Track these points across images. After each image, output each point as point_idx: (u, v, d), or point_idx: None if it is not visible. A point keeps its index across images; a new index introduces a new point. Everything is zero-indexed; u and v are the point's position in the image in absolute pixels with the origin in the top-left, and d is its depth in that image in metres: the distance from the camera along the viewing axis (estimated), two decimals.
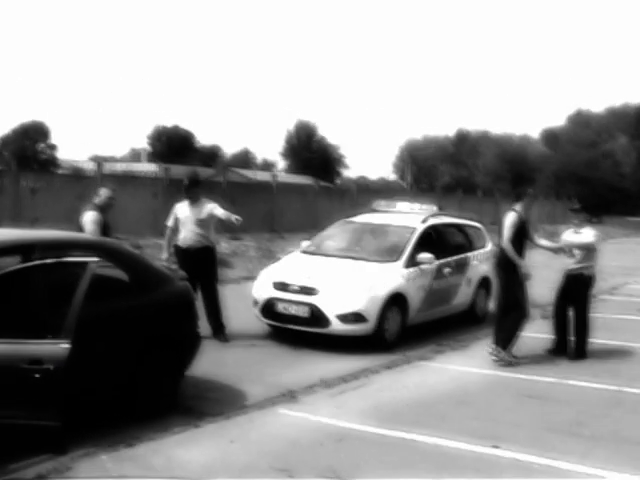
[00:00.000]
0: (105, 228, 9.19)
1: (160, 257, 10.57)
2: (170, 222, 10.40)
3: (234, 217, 9.82)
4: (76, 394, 5.69)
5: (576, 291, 9.91)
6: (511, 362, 9.31)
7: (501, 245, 9.45)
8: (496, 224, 10.61)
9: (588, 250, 9.88)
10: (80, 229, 9.12)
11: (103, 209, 9.43)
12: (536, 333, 10.50)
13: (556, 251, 10.17)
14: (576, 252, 9.89)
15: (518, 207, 9.60)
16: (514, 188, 10.02)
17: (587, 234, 9.90)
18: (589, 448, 6.36)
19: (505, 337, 9.42)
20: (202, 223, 10.05)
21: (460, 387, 8.30)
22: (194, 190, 10.17)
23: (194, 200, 10.14)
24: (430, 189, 66.04)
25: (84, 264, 5.11)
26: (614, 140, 77.07)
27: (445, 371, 9.03)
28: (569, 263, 9.95)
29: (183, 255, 10.13)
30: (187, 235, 10.10)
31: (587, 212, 10.28)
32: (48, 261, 5.43)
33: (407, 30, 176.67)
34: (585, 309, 9.94)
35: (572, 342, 9.91)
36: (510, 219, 9.42)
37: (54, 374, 4.75)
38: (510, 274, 9.40)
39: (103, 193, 9.58)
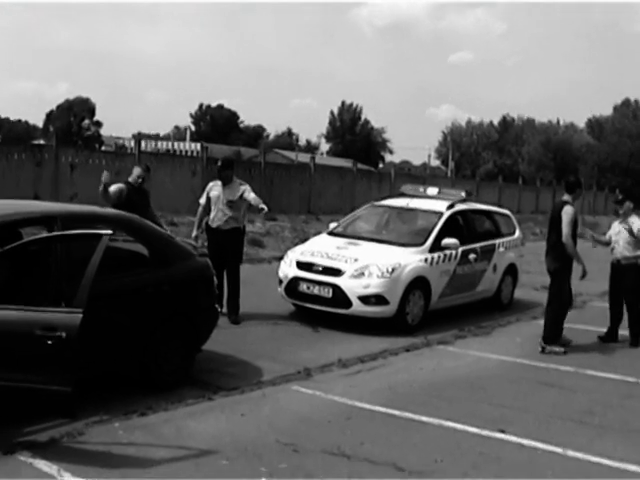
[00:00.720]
0: (133, 203, 9.34)
1: (191, 235, 10.76)
2: (202, 200, 10.48)
3: (261, 205, 9.82)
4: (88, 362, 5.87)
5: (631, 281, 9.89)
6: (565, 352, 9.38)
7: (562, 241, 9.23)
8: (535, 213, 10.50)
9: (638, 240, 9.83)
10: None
11: (134, 186, 9.72)
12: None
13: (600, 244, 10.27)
14: (623, 242, 9.85)
15: (570, 198, 9.49)
16: (566, 178, 9.85)
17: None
18: (596, 436, 6.37)
19: (551, 334, 9.47)
20: (233, 204, 10.08)
21: (476, 372, 8.34)
22: (226, 172, 10.25)
23: (227, 181, 10.24)
24: (472, 176, 65.71)
25: (98, 236, 5.26)
26: None
27: (464, 356, 9.07)
28: (619, 252, 9.92)
29: (212, 234, 10.24)
30: (217, 215, 10.17)
31: (632, 200, 10.15)
32: (62, 232, 5.59)
33: (451, 14, 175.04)
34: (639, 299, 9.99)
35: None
36: (569, 215, 9.26)
37: (66, 341, 4.91)
38: (561, 266, 9.36)
39: (135, 172, 9.90)
